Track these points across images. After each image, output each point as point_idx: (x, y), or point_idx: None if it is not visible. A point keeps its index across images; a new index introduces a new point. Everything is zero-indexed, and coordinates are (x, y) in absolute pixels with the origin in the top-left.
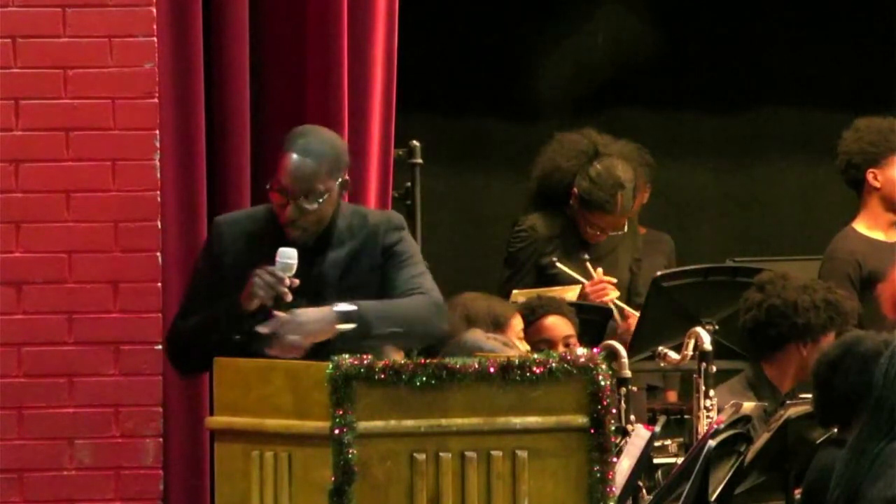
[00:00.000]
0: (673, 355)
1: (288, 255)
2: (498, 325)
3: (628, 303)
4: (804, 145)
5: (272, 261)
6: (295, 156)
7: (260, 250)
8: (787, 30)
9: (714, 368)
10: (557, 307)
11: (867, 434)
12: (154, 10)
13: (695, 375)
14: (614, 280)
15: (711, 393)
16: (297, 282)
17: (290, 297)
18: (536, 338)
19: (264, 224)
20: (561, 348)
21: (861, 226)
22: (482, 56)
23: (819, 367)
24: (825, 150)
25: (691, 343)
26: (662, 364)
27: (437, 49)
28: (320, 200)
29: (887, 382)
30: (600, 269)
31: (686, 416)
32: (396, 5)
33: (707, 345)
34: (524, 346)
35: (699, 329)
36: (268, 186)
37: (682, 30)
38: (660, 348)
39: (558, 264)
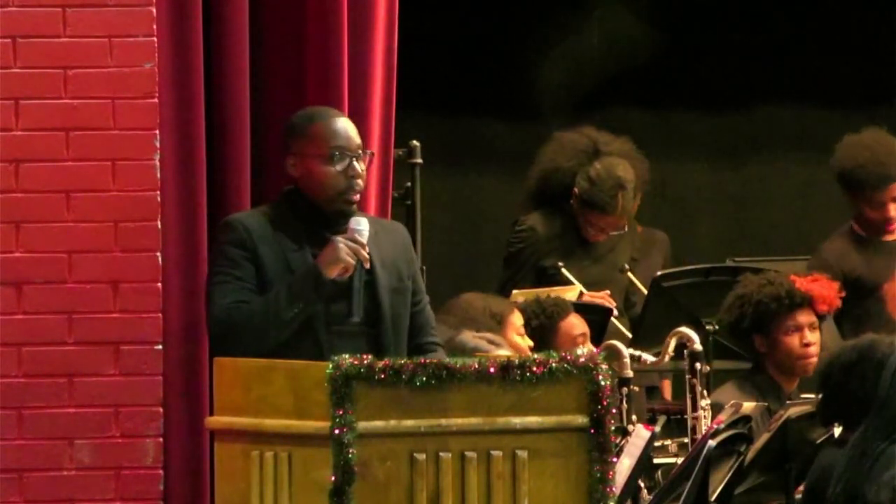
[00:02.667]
0: (648, 358)
1: (360, 223)
2: (497, 323)
3: (626, 303)
4: (802, 144)
5: (307, 250)
6: (338, 118)
7: (293, 240)
8: (784, 29)
9: (707, 368)
10: (567, 307)
11: (870, 434)
12: (154, 10)
13: (688, 376)
14: (614, 304)
15: (705, 393)
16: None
17: (369, 264)
18: (574, 333)
19: (280, 218)
20: (581, 343)
21: (857, 224)
22: (481, 56)
23: (831, 369)
24: (822, 149)
25: (672, 343)
26: (636, 365)
27: (437, 49)
28: (366, 163)
29: (894, 384)
30: (607, 291)
31: (685, 417)
32: (396, 5)
33: (697, 345)
34: (524, 342)
35: (685, 329)
36: (290, 162)
37: (680, 30)
38: (632, 351)
39: (564, 270)
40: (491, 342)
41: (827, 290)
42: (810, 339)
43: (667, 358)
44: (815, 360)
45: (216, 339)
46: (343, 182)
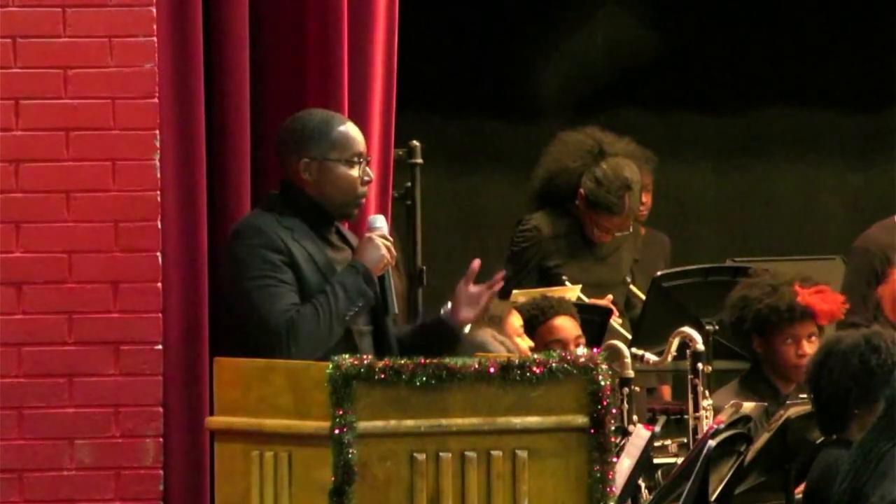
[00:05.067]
0: (652, 357)
1: (381, 221)
2: (495, 325)
3: (627, 304)
4: (803, 145)
5: (327, 250)
6: (350, 123)
7: (308, 242)
8: (787, 30)
9: (709, 368)
10: (566, 308)
11: (876, 434)
12: (154, 10)
13: (690, 376)
14: (617, 311)
15: (707, 393)
16: None
17: (394, 261)
18: (549, 338)
19: (290, 221)
20: (572, 349)
21: None
22: (482, 56)
23: (808, 372)
24: (824, 150)
25: (675, 343)
26: (638, 365)
27: (437, 49)
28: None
29: None
30: (610, 296)
31: (685, 417)
32: (396, 5)
33: (700, 345)
34: (524, 343)
35: (687, 329)
36: (304, 165)
37: (682, 31)
38: (635, 350)
39: (568, 283)
40: (509, 351)
41: (829, 304)
42: (806, 351)
43: (669, 358)
44: None
45: (273, 345)
46: (360, 187)
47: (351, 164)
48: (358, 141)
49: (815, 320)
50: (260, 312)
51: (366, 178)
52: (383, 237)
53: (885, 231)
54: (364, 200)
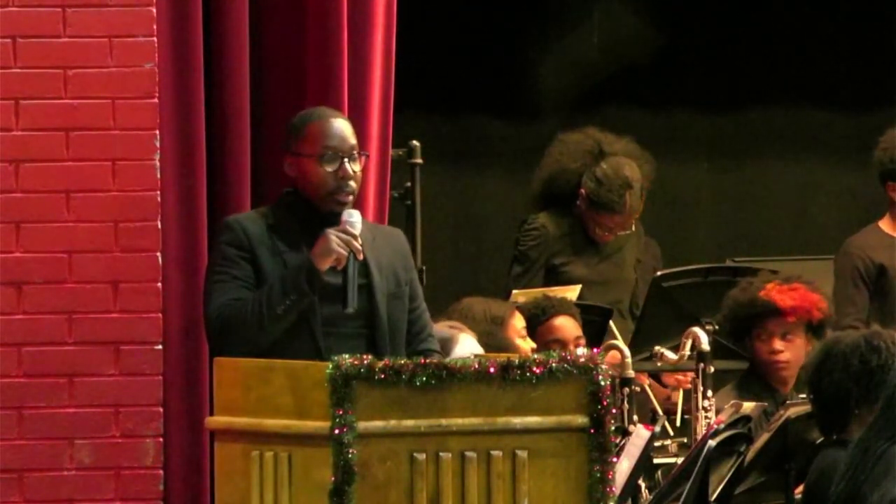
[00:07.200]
0: (670, 355)
1: (353, 215)
2: (497, 325)
3: (630, 304)
4: (800, 145)
5: (304, 250)
6: (334, 119)
7: (290, 241)
8: (784, 29)
9: (712, 369)
10: (567, 307)
11: (874, 433)
12: (154, 10)
13: (693, 376)
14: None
15: (710, 393)
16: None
17: (362, 255)
18: (548, 337)
19: (279, 219)
20: (571, 349)
21: (885, 224)
22: (481, 56)
23: (807, 374)
24: (821, 149)
25: (689, 343)
26: (659, 364)
27: (437, 49)
28: (360, 165)
29: None
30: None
31: (686, 417)
32: (395, 5)
33: (705, 345)
34: (526, 344)
35: (697, 329)
36: (288, 161)
37: (679, 29)
38: (656, 348)
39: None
40: (452, 327)
41: (797, 300)
42: (776, 348)
43: (685, 357)
44: (785, 367)
45: (212, 337)
46: (333, 183)
47: (322, 158)
48: (331, 135)
49: (785, 317)
50: (205, 305)
51: (340, 174)
52: (344, 232)
53: (865, 234)
54: (344, 197)
